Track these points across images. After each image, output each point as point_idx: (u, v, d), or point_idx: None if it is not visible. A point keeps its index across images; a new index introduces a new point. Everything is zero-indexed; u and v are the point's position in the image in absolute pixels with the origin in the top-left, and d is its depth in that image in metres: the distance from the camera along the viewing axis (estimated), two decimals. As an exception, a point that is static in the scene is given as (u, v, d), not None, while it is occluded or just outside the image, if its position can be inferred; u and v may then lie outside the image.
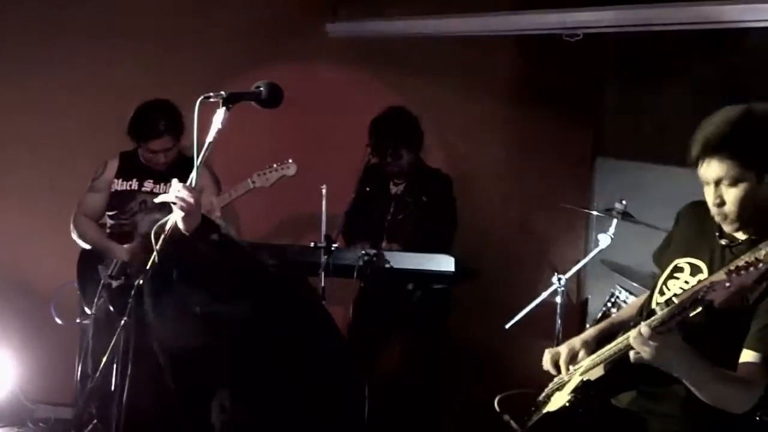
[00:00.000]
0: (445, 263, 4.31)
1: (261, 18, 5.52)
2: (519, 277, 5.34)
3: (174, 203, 2.74)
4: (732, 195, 2.45)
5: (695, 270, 2.59)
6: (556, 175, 5.33)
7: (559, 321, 4.50)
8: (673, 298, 2.43)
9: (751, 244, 2.47)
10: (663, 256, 2.75)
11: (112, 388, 2.86)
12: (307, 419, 3.68)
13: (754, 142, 2.41)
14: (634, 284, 4.40)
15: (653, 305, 2.64)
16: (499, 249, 5.36)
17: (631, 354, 2.35)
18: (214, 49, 5.47)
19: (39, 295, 5.03)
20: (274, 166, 4.31)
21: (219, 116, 2.62)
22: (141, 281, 2.68)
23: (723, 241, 2.56)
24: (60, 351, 4.95)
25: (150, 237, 2.72)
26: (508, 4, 5.20)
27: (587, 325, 4.66)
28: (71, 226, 4.51)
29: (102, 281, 4.30)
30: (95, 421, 4.34)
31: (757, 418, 3.42)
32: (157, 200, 2.86)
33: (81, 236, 4.49)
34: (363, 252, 4.35)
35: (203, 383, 3.61)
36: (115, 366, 2.80)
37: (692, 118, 2.55)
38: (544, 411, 2.75)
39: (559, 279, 4.50)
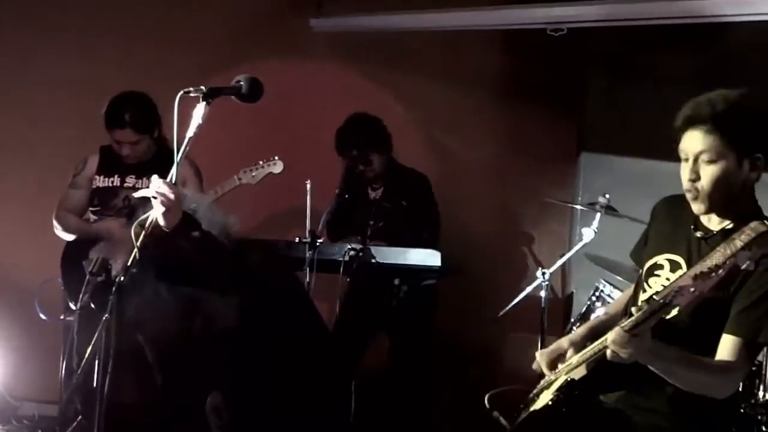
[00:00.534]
0: (432, 258, 4.32)
1: (245, 13, 5.52)
2: (504, 271, 5.36)
3: (154, 197, 2.74)
4: (709, 172, 2.45)
5: (675, 266, 2.60)
6: (541, 170, 5.35)
7: (543, 315, 4.52)
8: (654, 296, 2.45)
9: (724, 235, 2.49)
10: (642, 254, 2.76)
11: (95, 384, 2.84)
12: (293, 416, 3.68)
13: (742, 123, 2.42)
14: (619, 278, 4.42)
15: (639, 303, 2.65)
16: (484, 243, 5.36)
17: (608, 352, 2.37)
18: (199, 44, 5.45)
19: (23, 291, 5.01)
20: (261, 163, 4.30)
21: (199, 111, 2.62)
22: (122, 278, 2.67)
23: (698, 234, 2.57)
24: (45, 348, 4.94)
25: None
26: (493, -2, 5.21)
27: (572, 319, 4.67)
28: (54, 221, 4.48)
29: (87, 277, 4.27)
30: (80, 417, 4.33)
31: (742, 411, 3.47)
32: (136, 195, 2.85)
33: (65, 229, 4.47)
34: (349, 247, 4.35)
35: (190, 378, 3.60)
36: (97, 363, 2.78)
37: (677, 112, 2.54)
38: (531, 409, 2.76)
39: (544, 273, 4.52)
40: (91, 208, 4.49)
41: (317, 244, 4.31)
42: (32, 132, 5.40)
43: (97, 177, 4.47)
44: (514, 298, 4.60)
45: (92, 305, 3.23)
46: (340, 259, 4.33)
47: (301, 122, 4.94)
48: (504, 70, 5.46)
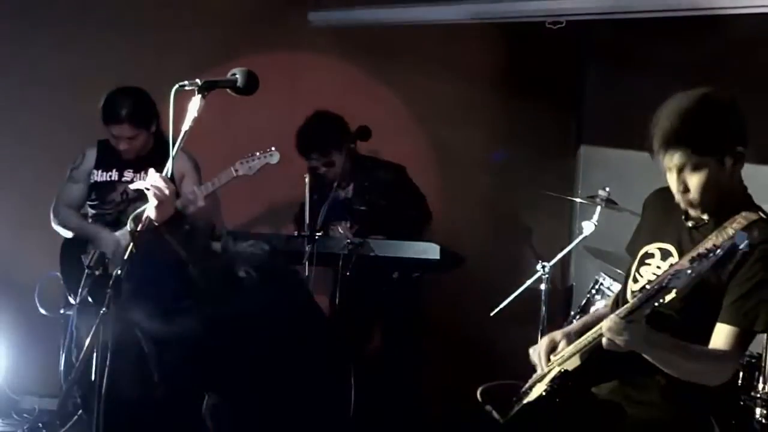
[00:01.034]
0: (431, 251, 4.32)
1: (243, 7, 5.50)
2: (503, 264, 5.36)
3: (148, 189, 2.74)
4: (695, 180, 2.48)
5: (665, 254, 2.62)
6: (540, 163, 5.35)
7: (543, 308, 4.51)
8: (647, 286, 2.46)
9: (716, 224, 2.52)
10: (634, 245, 2.77)
11: (93, 378, 2.85)
12: (294, 407, 3.69)
13: (707, 131, 2.45)
14: (618, 271, 4.40)
15: (628, 294, 2.67)
16: (483, 237, 5.36)
17: (603, 340, 2.39)
18: (196, 38, 5.44)
19: (23, 285, 5.01)
20: (257, 154, 4.29)
21: (195, 104, 2.62)
22: (119, 271, 2.67)
23: (689, 223, 2.60)
24: (44, 342, 4.94)
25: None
26: (492, -9, 5.20)
27: (572, 312, 4.67)
28: (51, 215, 4.48)
29: (85, 271, 4.28)
30: (80, 411, 4.34)
31: (742, 403, 3.47)
32: (132, 186, 2.86)
33: (63, 225, 4.47)
34: (348, 241, 4.35)
35: (187, 374, 3.61)
36: (95, 356, 2.79)
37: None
38: (524, 402, 2.76)
39: (544, 266, 4.51)
40: (88, 202, 4.48)
41: (316, 238, 4.30)
42: (31, 126, 5.39)
43: (95, 171, 4.46)
44: (514, 291, 4.59)
45: (90, 299, 3.24)
46: (339, 252, 4.33)
47: (298, 116, 4.94)
48: (503, 63, 5.45)
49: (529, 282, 4.58)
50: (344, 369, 4.13)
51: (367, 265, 4.38)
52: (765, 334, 2.87)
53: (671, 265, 2.55)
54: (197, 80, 2.62)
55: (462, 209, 5.21)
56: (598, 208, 4.47)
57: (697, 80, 2.59)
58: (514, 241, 5.45)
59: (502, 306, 4.55)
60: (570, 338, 2.74)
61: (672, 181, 2.54)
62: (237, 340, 3.41)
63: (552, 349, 2.75)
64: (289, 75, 5.34)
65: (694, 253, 2.30)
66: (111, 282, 2.63)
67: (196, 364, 3.55)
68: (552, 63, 5.24)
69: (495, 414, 3.15)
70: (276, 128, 5.21)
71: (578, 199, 4.79)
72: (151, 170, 2.79)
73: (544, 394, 2.58)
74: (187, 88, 2.63)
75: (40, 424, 4.89)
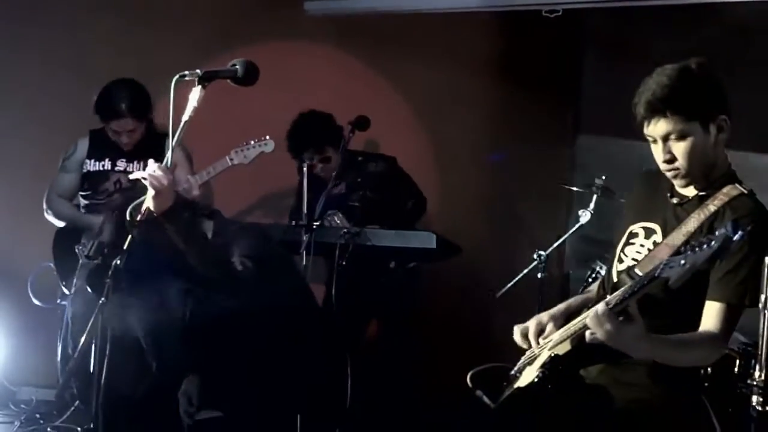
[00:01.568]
0: (427, 240, 4.32)
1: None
2: (501, 253, 5.36)
3: (144, 179, 2.74)
4: (681, 148, 2.49)
5: (649, 233, 2.63)
6: (537, 152, 5.34)
7: (540, 297, 4.52)
8: (636, 268, 2.47)
9: (699, 201, 2.54)
10: (619, 226, 2.78)
11: (91, 369, 2.85)
12: (291, 396, 3.70)
13: (693, 95, 2.46)
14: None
15: (614, 275, 2.68)
16: (481, 226, 5.37)
17: (587, 334, 2.38)
18: (192, 28, 5.42)
19: (20, 276, 5.00)
20: (252, 142, 4.28)
21: (194, 94, 2.62)
22: (118, 261, 2.67)
23: (674, 200, 2.61)
24: (42, 333, 4.93)
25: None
26: (488, -20, 5.18)
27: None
28: (44, 206, 4.48)
29: (80, 261, 4.27)
30: (77, 402, 4.34)
31: (738, 391, 3.49)
32: (132, 176, 2.85)
33: (56, 215, 4.46)
34: (345, 230, 4.35)
35: (185, 363, 3.61)
36: (93, 347, 2.79)
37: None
38: (515, 386, 2.76)
39: (540, 255, 4.52)
40: (81, 192, 4.48)
41: (313, 227, 4.30)
42: (26, 116, 5.37)
43: (88, 161, 4.46)
44: (511, 280, 4.60)
45: (88, 289, 3.25)
46: (336, 242, 4.33)
47: (295, 106, 4.92)
48: (499, 52, 5.44)
49: (526, 270, 4.59)
50: (340, 358, 4.14)
51: (364, 255, 4.38)
52: (762, 325, 2.87)
53: (655, 243, 2.56)
54: (198, 71, 2.62)
55: (458, 198, 5.21)
56: (595, 197, 4.48)
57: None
58: (511, 229, 5.45)
59: (499, 294, 4.57)
60: (557, 320, 2.74)
61: (657, 152, 2.54)
62: (235, 328, 3.42)
63: (540, 331, 2.76)
64: (285, 64, 5.33)
65: (682, 234, 2.31)
66: (110, 272, 2.63)
67: (194, 353, 3.55)
68: (549, 52, 5.23)
69: (486, 399, 3.15)
70: (272, 117, 5.20)
71: (575, 188, 4.80)
72: (151, 161, 2.80)
73: (536, 380, 2.58)
74: (187, 78, 2.63)
75: (38, 415, 4.89)
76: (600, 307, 2.30)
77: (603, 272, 4.33)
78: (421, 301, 4.83)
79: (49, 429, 4.61)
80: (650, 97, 2.48)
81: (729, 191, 2.50)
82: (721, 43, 4.58)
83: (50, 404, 4.92)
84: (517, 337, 2.81)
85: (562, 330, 2.66)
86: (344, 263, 4.45)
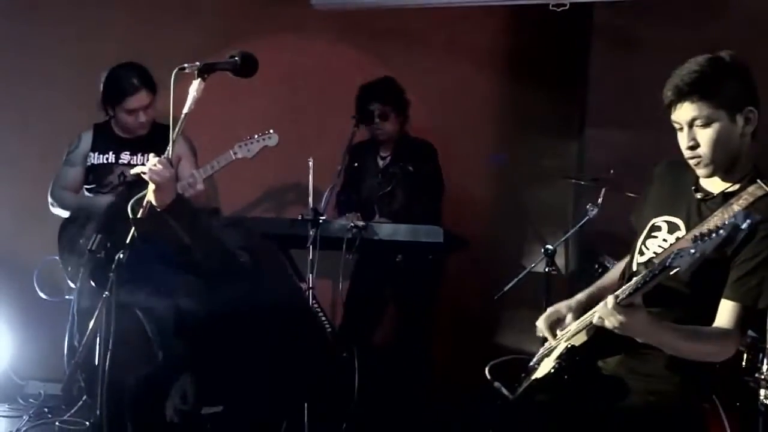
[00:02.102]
0: (434, 234, 4.31)
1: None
2: (507, 247, 5.36)
3: (144, 173, 2.74)
4: (706, 136, 2.49)
5: (673, 228, 2.62)
6: (544, 146, 5.34)
7: (547, 291, 4.51)
8: (653, 259, 2.46)
9: (723, 198, 2.54)
10: (640, 217, 2.78)
11: (97, 362, 2.85)
12: (296, 390, 3.70)
13: (722, 83, 2.47)
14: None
15: (634, 267, 2.67)
16: (488, 220, 5.36)
17: (595, 318, 2.39)
18: (197, 21, 5.43)
19: (27, 270, 5.02)
20: (255, 136, 4.28)
21: (195, 87, 2.62)
22: (121, 255, 2.67)
23: (698, 195, 2.60)
24: (49, 327, 4.92)
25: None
26: (496, -26, 5.16)
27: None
28: (49, 199, 4.48)
29: (85, 255, 4.27)
30: (84, 396, 4.35)
31: (746, 385, 3.47)
32: (132, 171, 2.85)
33: (61, 205, 4.46)
34: (351, 224, 4.34)
35: (190, 353, 3.62)
36: (98, 339, 2.79)
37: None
38: (533, 378, 2.76)
39: (547, 249, 4.50)
40: (86, 186, 4.48)
41: (320, 221, 4.30)
42: (32, 109, 5.39)
43: (92, 154, 4.46)
44: (518, 274, 4.58)
45: (93, 283, 3.25)
46: (342, 236, 4.32)
47: (300, 98, 4.92)
48: (507, 46, 5.44)
49: (533, 265, 4.57)
50: (347, 352, 4.14)
51: (371, 249, 4.38)
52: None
53: (678, 239, 2.56)
54: (197, 63, 2.63)
55: (466, 192, 5.20)
56: (603, 191, 4.46)
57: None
58: (518, 223, 5.44)
59: (506, 288, 4.55)
60: (575, 311, 2.74)
61: (682, 138, 2.54)
62: (236, 321, 3.42)
63: (558, 320, 2.75)
64: (290, 58, 5.33)
65: (696, 231, 2.30)
66: (113, 266, 2.64)
67: (197, 345, 3.55)
68: (556, 46, 5.22)
69: (504, 390, 3.15)
70: (276, 111, 5.21)
71: (583, 182, 4.78)
72: (152, 155, 2.79)
73: (552, 371, 2.59)
74: (186, 70, 2.63)
75: (46, 409, 4.92)
76: (609, 299, 2.33)
77: (610, 266, 4.32)
78: (430, 294, 4.82)
79: (57, 423, 4.63)
80: (678, 81, 2.49)
81: (754, 191, 2.49)
82: (728, 35, 4.55)
83: (58, 398, 4.95)
84: (539, 327, 2.80)
85: (578, 321, 2.66)
86: (350, 257, 4.45)
